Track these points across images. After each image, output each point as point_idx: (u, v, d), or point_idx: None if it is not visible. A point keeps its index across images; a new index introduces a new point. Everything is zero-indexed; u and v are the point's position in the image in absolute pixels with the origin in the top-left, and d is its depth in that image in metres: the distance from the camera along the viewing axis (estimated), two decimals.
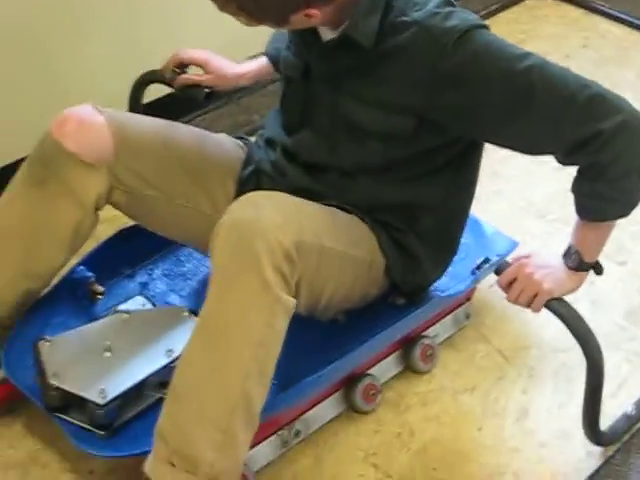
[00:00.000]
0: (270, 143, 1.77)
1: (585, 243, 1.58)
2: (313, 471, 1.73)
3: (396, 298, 1.78)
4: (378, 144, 1.59)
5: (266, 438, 1.67)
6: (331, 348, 1.68)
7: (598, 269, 1.61)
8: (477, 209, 1.83)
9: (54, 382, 1.57)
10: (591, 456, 1.77)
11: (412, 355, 1.86)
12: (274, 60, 1.87)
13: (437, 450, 1.78)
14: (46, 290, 1.79)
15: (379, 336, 1.72)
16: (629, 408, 1.83)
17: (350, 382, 1.78)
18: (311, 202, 1.58)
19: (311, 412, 1.75)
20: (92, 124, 1.67)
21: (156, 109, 2.16)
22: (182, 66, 1.89)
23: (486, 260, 1.86)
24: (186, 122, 2.37)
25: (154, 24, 2.50)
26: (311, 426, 1.76)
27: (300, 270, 1.47)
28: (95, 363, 1.61)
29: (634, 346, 1.99)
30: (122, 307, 1.78)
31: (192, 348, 1.46)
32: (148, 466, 1.46)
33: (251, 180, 1.75)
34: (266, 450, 1.68)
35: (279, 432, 1.69)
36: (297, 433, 1.73)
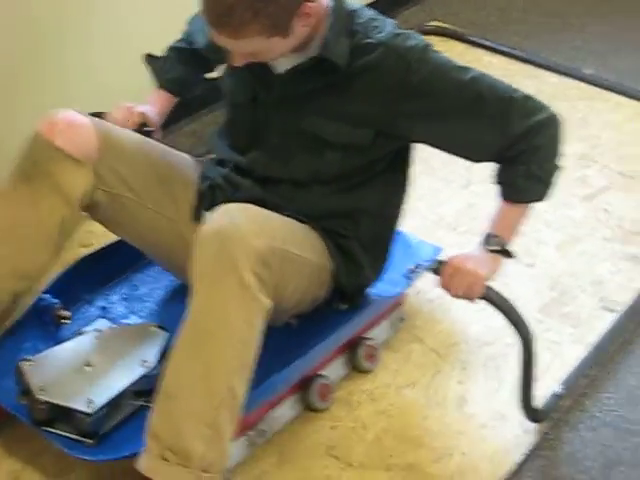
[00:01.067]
0: (221, 162, 1.91)
1: (507, 225, 1.82)
2: (280, 468, 1.86)
3: (339, 304, 1.94)
4: (336, 154, 1.78)
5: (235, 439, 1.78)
6: (287, 351, 1.82)
7: (511, 254, 1.82)
8: None
9: (42, 397, 1.67)
10: (528, 433, 1.95)
11: (358, 356, 2.02)
12: (174, 91, 2.05)
13: (390, 439, 1.93)
14: (14, 318, 1.87)
15: (329, 339, 1.87)
16: (557, 388, 2.02)
17: (305, 383, 1.92)
18: (274, 213, 1.73)
19: (273, 413, 1.87)
20: (80, 124, 1.78)
21: None
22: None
23: (417, 265, 2.03)
24: None
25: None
26: (274, 426, 1.88)
27: (277, 272, 1.63)
28: (78, 377, 1.71)
29: (551, 335, 2.18)
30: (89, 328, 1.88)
31: (179, 349, 1.60)
32: (143, 463, 1.58)
33: (208, 194, 1.88)
34: (236, 451, 1.79)
35: (247, 433, 1.81)
36: (262, 433, 1.85)
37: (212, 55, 1.96)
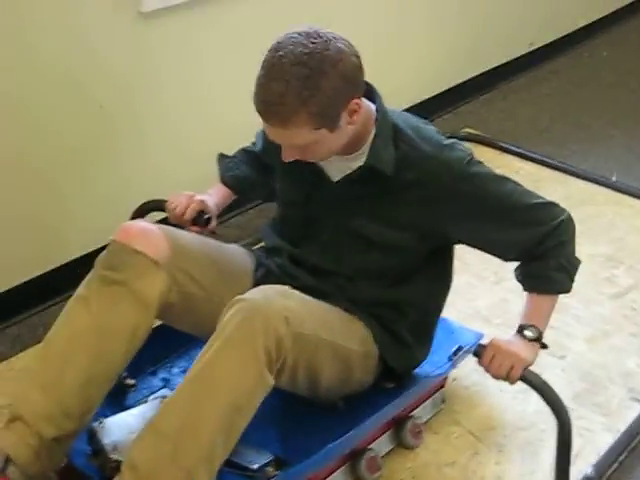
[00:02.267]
0: (274, 251, 2.06)
1: (540, 316, 1.96)
2: None
3: (386, 383, 2.07)
4: (380, 254, 1.93)
5: None
6: (336, 427, 1.92)
7: (545, 344, 1.96)
8: None
9: (114, 456, 1.80)
10: None
11: (404, 432, 2.14)
12: (234, 187, 2.21)
13: None
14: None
15: (377, 415, 1.99)
16: (588, 470, 2.12)
17: (355, 456, 2.03)
18: (314, 300, 1.88)
19: None
20: (151, 230, 1.91)
21: None
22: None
23: (459, 348, 2.17)
24: None
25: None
26: None
27: (295, 357, 1.75)
28: None
29: (583, 423, 2.28)
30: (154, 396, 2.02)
31: (180, 395, 1.72)
32: None
33: (263, 282, 2.01)
34: None
35: None
36: None
37: (267, 159, 2.10)
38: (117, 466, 1.76)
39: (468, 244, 1.99)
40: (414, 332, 2.04)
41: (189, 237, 2.00)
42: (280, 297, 1.79)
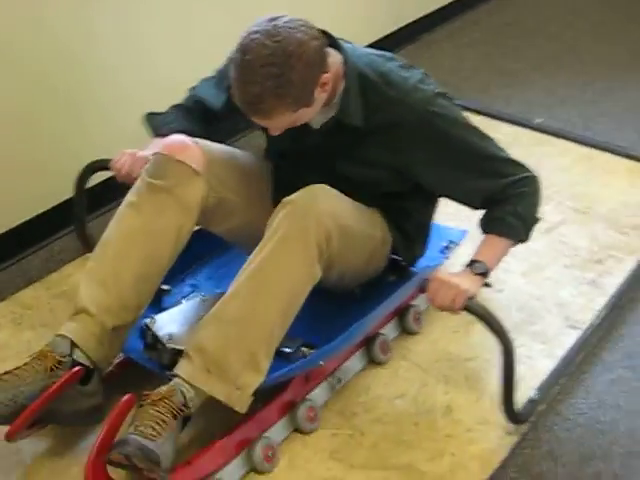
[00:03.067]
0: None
1: (491, 255, 2.09)
2: (290, 470, 2.05)
3: (390, 275, 2.30)
4: (366, 191, 2.14)
5: (320, 383, 2.19)
6: (355, 313, 2.14)
7: (489, 282, 2.09)
8: None
9: (169, 345, 2.04)
10: (509, 435, 2.14)
11: (407, 319, 2.43)
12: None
13: (386, 443, 2.11)
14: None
15: (387, 302, 2.21)
16: (532, 393, 2.23)
17: (368, 341, 2.31)
18: (348, 199, 2.08)
19: (346, 363, 2.27)
20: (189, 143, 2.12)
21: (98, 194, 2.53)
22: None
23: (449, 243, 2.49)
24: None
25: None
26: (347, 375, 2.27)
27: (335, 248, 1.97)
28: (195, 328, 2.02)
29: (523, 351, 2.36)
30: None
31: (240, 285, 1.94)
32: (185, 371, 1.89)
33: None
34: (322, 392, 2.20)
35: (328, 379, 2.21)
36: (339, 380, 2.25)
37: (229, 116, 2.25)
38: (175, 354, 1.99)
39: (435, 191, 2.16)
40: (417, 230, 2.29)
41: (218, 148, 2.19)
42: (324, 194, 2.00)
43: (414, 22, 4.19)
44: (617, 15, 4.59)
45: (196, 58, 2.55)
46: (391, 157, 2.06)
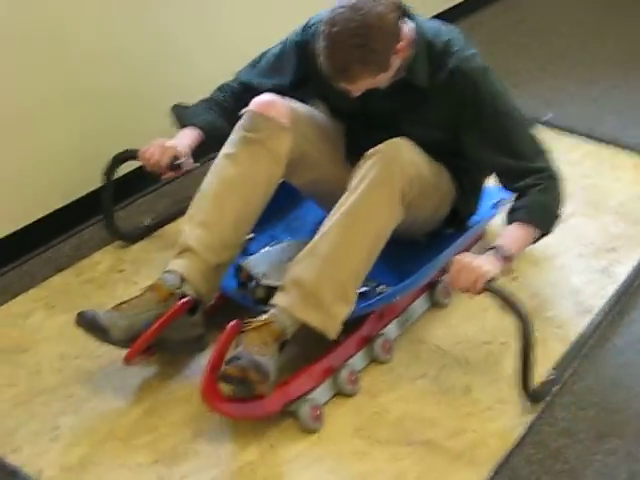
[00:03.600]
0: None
1: (514, 241, 2.20)
2: (317, 445, 2.13)
3: (448, 228, 2.52)
4: (429, 149, 2.31)
5: (392, 320, 2.42)
6: (423, 258, 2.38)
7: (511, 268, 2.25)
8: None
9: (264, 281, 2.27)
10: (527, 413, 2.23)
11: (437, 289, 2.56)
12: (204, 128, 2.45)
13: (409, 420, 2.20)
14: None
15: (448, 249, 2.39)
16: (547, 374, 2.32)
17: (432, 285, 2.53)
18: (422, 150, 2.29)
19: (413, 305, 2.49)
20: (277, 100, 2.33)
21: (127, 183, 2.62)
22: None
23: (500, 200, 2.59)
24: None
25: None
26: (413, 315, 2.50)
27: (414, 195, 2.20)
28: (286, 267, 2.23)
29: (537, 335, 2.39)
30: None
31: (333, 224, 2.16)
32: (284, 301, 2.12)
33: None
34: (393, 328, 2.43)
35: (399, 317, 2.44)
36: (406, 320, 2.48)
37: (298, 88, 2.45)
38: (269, 290, 2.22)
39: (470, 154, 2.33)
40: (472, 188, 2.50)
41: (303, 107, 2.41)
42: (405, 146, 2.22)
43: None
44: (620, 15, 4.69)
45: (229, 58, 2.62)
46: (447, 117, 2.26)
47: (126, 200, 2.96)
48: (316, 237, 2.18)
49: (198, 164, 2.45)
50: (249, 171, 2.28)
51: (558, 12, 4.72)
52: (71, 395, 2.27)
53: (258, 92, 2.38)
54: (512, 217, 2.22)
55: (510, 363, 2.31)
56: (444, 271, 2.35)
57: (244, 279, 2.32)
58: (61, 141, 2.77)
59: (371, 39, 2.06)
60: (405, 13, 2.21)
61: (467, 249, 2.53)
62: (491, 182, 2.52)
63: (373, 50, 2.07)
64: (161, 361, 2.34)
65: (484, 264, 2.10)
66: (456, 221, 2.52)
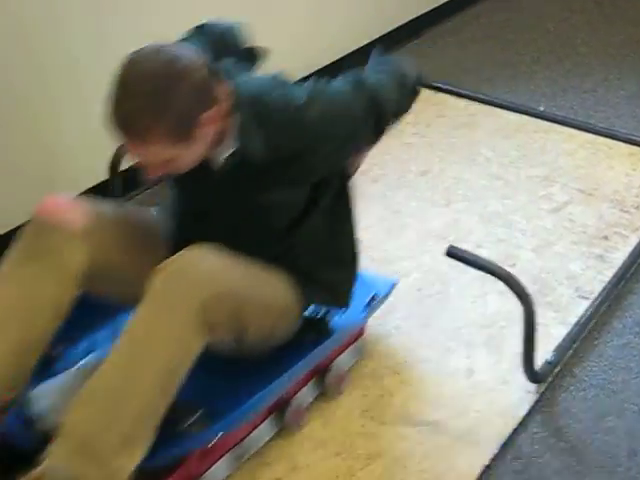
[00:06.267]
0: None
1: None
2: (325, 428, 2.18)
3: (306, 335, 2.09)
4: (271, 216, 1.96)
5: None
6: (262, 379, 2.00)
7: None
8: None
9: (41, 427, 1.86)
10: (529, 394, 2.29)
11: (327, 381, 2.22)
12: None
13: (414, 402, 2.26)
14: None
15: (298, 366, 2.06)
16: (549, 356, 2.37)
17: (279, 407, 2.11)
18: (240, 260, 1.89)
19: (254, 433, 2.07)
20: (69, 203, 1.91)
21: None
22: None
23: (374, 297, 2.28)
24: None
25: None
26: (257, 444, 2.08)
27: (224, 316, 1.79)
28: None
29: (537, 319, 2.50)
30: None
31: (112, 363, 1.75)
32: (56, 455, 1.70)
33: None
34: (224, 465, 2.00)
35: (232, 450, 2.02)
36: (246, 450, 2.06)
37: None
38: (46, 435, 1.78)
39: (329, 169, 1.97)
40: (330, 266, 2.08)
41: (106, 207, 2.00)
42: (205, 258, 1.82)
43: (419, 17, 4.33)
44: (613, 10, 4.74)
45: None
46: (296, 172, 1.89)
47: (133, 192, 3.00)
48: (94, 374, 1.76)
49: None
50: (30, 293, 1.85)
51: (548, 8, 4.77)
52: None
53: None
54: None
55: (511, 346, 2.37)
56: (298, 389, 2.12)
57: (26, 418, 1.90)
58: (64, 135, 2.81)
59: (171, 87, 1.67)
60: (219, 73, 1.81)
61: (334, 358, 2.23)
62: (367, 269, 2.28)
63: (170, 102, 1.67)
64: None
65: None
66: (320, 324, 2.13)
